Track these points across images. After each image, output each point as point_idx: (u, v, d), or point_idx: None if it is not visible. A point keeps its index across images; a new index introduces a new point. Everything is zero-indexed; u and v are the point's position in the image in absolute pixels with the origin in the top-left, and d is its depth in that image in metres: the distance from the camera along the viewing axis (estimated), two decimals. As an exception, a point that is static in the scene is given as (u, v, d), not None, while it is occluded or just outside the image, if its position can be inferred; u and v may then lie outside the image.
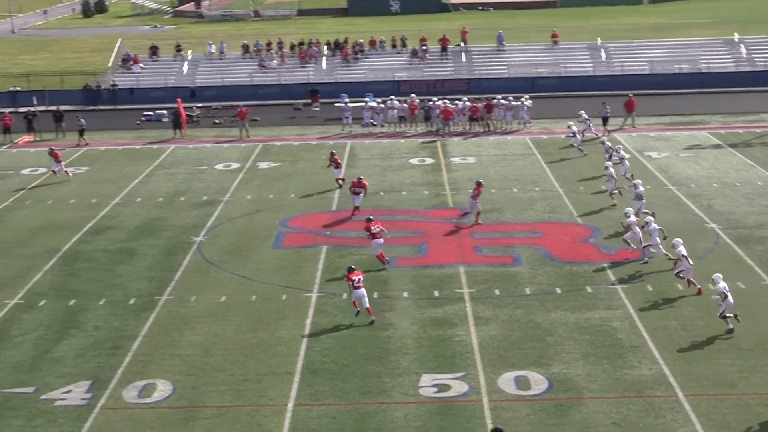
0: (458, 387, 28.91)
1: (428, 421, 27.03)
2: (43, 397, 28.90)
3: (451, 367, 30.24)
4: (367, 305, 34.04)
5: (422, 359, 30.81)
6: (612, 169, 47.79)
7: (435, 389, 28.83)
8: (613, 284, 36.66)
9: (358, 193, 46.15)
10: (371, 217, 41.30)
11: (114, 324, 34.21)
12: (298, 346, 31.94)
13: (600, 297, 35.55)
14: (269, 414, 27.63)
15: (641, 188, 43.89)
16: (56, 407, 28.26)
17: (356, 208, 45.95)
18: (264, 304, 35.67)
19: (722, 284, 32.49)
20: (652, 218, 39.62)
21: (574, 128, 59.38)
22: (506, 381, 29.22)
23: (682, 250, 36.00)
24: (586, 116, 62.63)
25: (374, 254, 39.60)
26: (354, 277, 34.22)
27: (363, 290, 34.11)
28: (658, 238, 38.68)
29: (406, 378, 29.54)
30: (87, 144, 65.30)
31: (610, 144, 54.44)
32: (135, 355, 31.53)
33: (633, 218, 39.76)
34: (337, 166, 51.79)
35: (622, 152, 51.96)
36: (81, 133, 65.87)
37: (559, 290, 36.39)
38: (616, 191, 46.87)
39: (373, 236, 39.58)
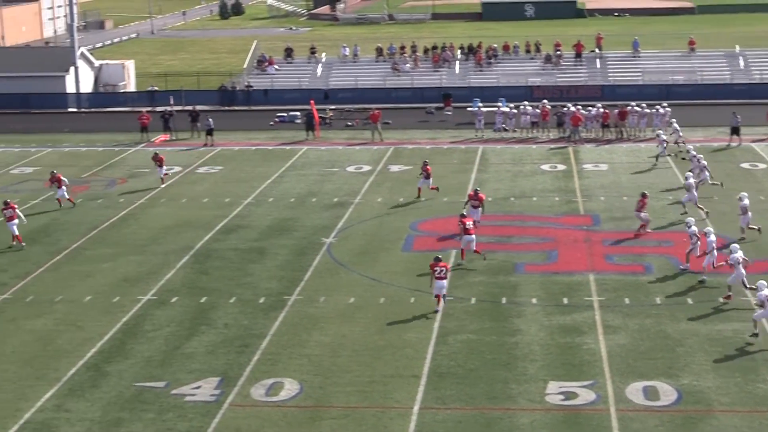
0: (585, 395, 28.63)
1: (554, 429, 26.81)
2: (174, 391, 29.42)
3: (579, 375, 29.95)
4: (440, 293, 35.07)
5: (549, 366, 30.58)
6: (692, 180, 46.93)
7: (562, 397, 28.58)
8: (745, 296, 35.90)
9: (476, 207, 44.81)
10: (464, 212, 41.87)
11: (244, 322, 34.68)
12: (425, 349, 31.96)
13: (733, 308, 34.84)
14: (395, 416, 27.69)
15: (746, 201, 42.97)
16: (186, 402, 28.75)
17: (475, 222, 42.77)
18: (392, 306, 35.78)
19: (765, 292, 32.04)
20: (711, 230, 38.79)
21: (664, 137, 58.52)
22: (634, 391, 28.84)
23: (737, 256, 35.50)
24: (677, 125, 61.59)
25: (463, 247, 40.31)
26: (437, 268, 34.88)
27: (445, 282, 34.88)
28: (716, 251, 37.90)
29: (533, 385, 29.35)
30: (210, 145, 66.19)
31: (695, 153, 53.18)
32: (263, 354, 31.91)
33: (694, 228, 39.12)
34: (428, 176, 51.00)
35: (703, 161, 50.83)
36: (209, 132, 66.91)
37: (690, 300, 35.78)
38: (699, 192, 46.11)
39: (467, 231, 39.91)
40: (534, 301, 36.03)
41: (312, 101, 72.13)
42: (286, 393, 29.20)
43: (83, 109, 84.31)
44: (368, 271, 39.73)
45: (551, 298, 36.30)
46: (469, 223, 40.19)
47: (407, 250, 42.35)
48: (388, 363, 30.96)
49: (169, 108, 71.32)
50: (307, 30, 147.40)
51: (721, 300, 35.47)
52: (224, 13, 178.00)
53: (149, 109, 77.57)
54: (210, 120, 67.22)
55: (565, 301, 35.98)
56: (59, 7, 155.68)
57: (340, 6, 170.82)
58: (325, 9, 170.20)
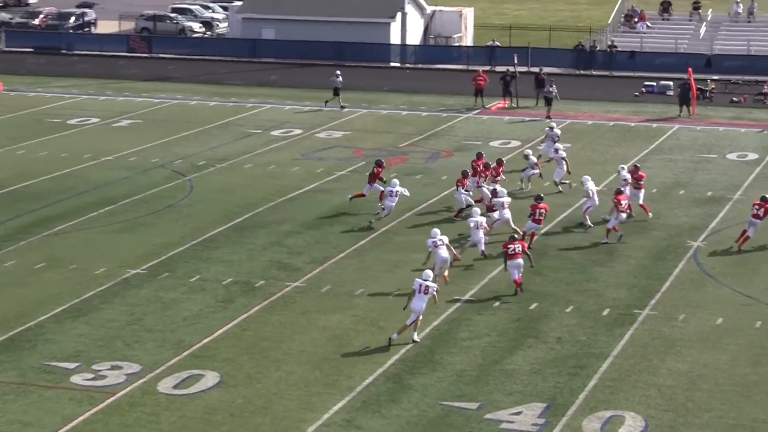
0: None
1: None
2: (488, 416, 29.56)
3: None
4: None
5: None
6: None
7: None
8: None
9: None
10: None
11: (581, 338, 34.52)
12: (810, 391, 30.98)
13: None
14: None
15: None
16: (502, 430, 28.87)
17: None
18: (771, 333, 34.94)
19: None
20: None
21: None
22: None
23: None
24: None
25: None
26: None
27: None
28: None
29: None
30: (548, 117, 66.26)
31: None
32: (602, 379, 31.65)
33: None
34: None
35: None
36: (548, 102, 66.94)
37: None
38: None
39: None
40: None
41: (690, 69, 70.79)
42: (627, 430, 28.90)
43: (408, 65, 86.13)
44: (743, 285, 38.87)
45: None
46: None
47: (797, 263, 41.24)
48: (759, 404, 30.14)
49: (511, 69, 71.73)
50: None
51: None
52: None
53: (487, 68, 78.43)
54: (552, 88, 67.05)
55: None
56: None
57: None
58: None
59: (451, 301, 37.37)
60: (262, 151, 57.81)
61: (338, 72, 70.82)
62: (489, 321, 35.79)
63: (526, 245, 39.57)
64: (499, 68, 78.25)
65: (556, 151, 51.09)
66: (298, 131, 62.90)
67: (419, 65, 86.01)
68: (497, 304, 37.26)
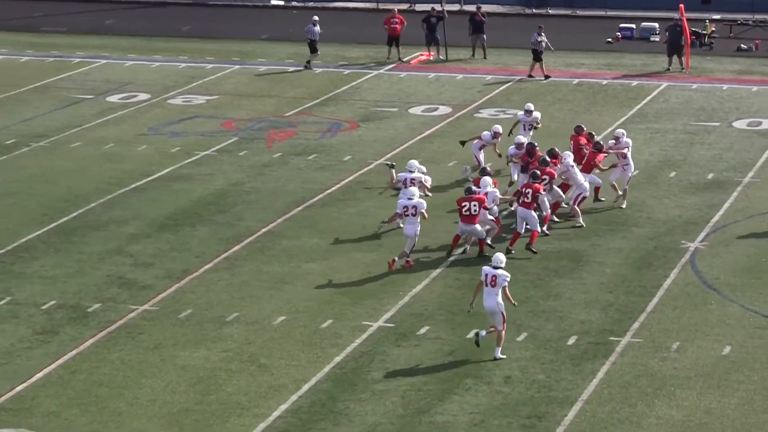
0: None
1: None
2: (412, 486, 29.80)
3: None
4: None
5: None
6: None
7: None
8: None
9: None
10: None
11: (538, 377, 34.62)
12: None
13: None
14: None
15: None
16: (430, 506, 29.08)
17: None
18: (794, 365, 35.28)
19: None
20: None
21: None
22: None
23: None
24: None
25: None
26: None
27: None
28: None
29: None
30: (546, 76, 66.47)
31: None
32: (568, 432, 31.90)
33: None
34: None
35: None
36: (537, 56, 66.95)
37: None
38: None
39: None
40: None
41: (682, 6, 71.26)
42: (604, 502, 29.21)
43: (295, 3, 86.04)
44: (759, 302, 39.25)
45: None
46: None
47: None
48: (781, 462, 30.52)
49: (437, 7, 71.83)
50: None
51: None
52: None
53: (405, 7, 78.47)
54: (541, 37, 67.32)
55: None
56: None
57: None
58: None
59: (358, 328, 37.33)
60: (94, 124, 57.62)
61: (316, 18, 70.74)
62: (412, 355, 35.78)
63: (485, 200, 40.88)
64: (420, 7, 78.28)
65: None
66: (144, 96, 62.76)
67: (310, 3, 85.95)
68: (425, 330, 37.23)
